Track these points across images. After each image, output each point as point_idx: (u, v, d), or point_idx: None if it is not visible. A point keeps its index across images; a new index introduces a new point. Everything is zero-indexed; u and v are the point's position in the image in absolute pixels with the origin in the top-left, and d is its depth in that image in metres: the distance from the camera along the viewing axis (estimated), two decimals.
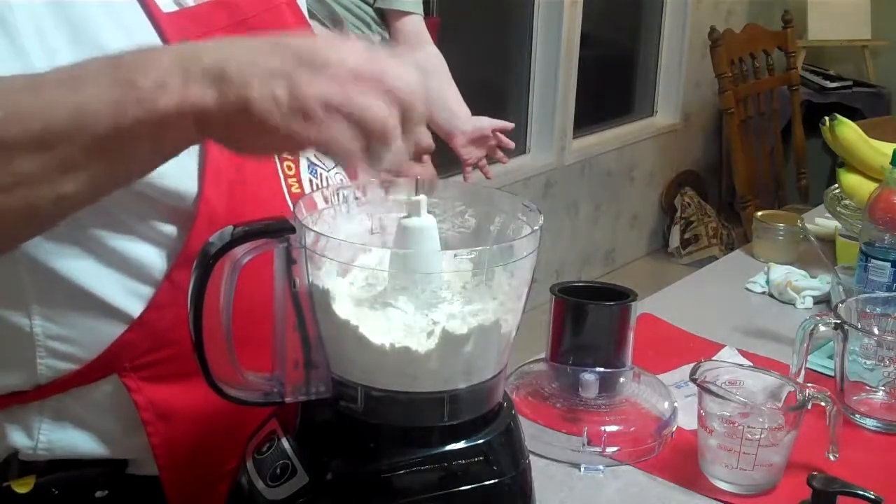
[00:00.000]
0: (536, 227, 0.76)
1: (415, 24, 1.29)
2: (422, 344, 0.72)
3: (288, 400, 0.76)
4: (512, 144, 1.39)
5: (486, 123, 1.33)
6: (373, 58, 0.67)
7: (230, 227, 0.73)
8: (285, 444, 0.77)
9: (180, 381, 0.87)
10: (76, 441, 0.88)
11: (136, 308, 0.84)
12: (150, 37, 0.81)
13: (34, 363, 0.85)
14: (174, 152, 0.71)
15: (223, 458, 0.91)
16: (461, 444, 0.75)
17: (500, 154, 1.37)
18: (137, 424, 0.87)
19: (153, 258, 0.83)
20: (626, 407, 1.07)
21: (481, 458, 0.75)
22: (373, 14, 1.22)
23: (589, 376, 1.05)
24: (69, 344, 0.85)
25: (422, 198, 0.75)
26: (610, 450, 1.02)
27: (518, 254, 0.74)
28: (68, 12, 0.76)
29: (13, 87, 0.67)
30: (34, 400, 0.86)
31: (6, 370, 0.86)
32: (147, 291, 0.84)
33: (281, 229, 0.74)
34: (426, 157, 1.24)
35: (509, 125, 1.35)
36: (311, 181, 0.95)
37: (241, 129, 0.66)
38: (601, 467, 1.01)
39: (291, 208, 0.90)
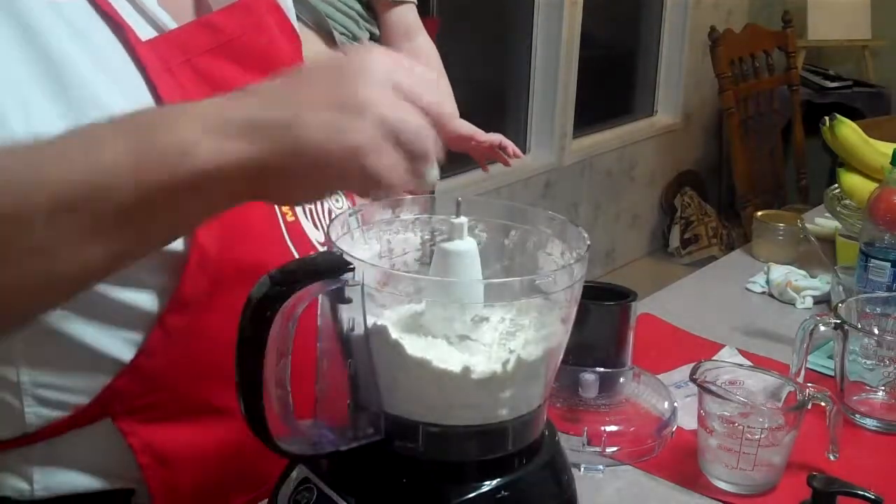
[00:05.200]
0: (583, 253, 0.74)
1: (406, 15, 1.27)
2: (501, 372, 0.71)
3: (342, 448, 0.72)
4: (520, 154, 1.35)
5: (465, 129, 1.31)
6: (403, 69, 0.65)
7: (267, 277, 0.67)
8: (330, 492, 0.73)
9: (176, 422, 0.84)
10: (73, 480, 0.85)
11: (127, 354, 0.81)
12: (127, 69, 0.78)
13: (21, 412, 0.82)
14: (213, 213, 0.67)
15: (227, 497, 0.89)
16: (532, 466, 0.75)
17: (502, 156, 1.34)
18: (133, 467, 0.84)
19: (144, 304, 0.80)
20: (626, 407, 1.07)
21: (548, 474, 0.76)
22: (359, 9, 1.20)
23: (589, 376, 1.05)
24: (58, 391, 0.81)
25: (463, 220, 0.73)
26: (610, 450, 1.02)
27: (574, 277, 0.72)
28: (40, 47, 0.73)
29: (9, 156, 0.63)
30: (20, 447, 0.83)
31: None
32: (138, 337, 0.81)
33: (337, 268, 0.68)
34: None
35: (493, 139, 1.31)
36: (304, 207, 0.92)
37: (296, 174, 0.62)
38: (601, 467, 1.01)
39: (287, 239, 0.88)
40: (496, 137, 1.33)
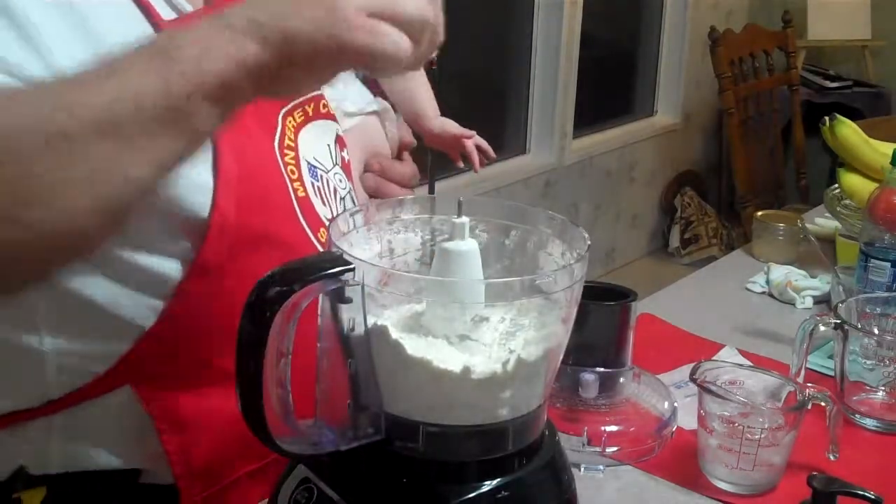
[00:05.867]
0: (583, 254, 0.74)
1: None
2: (501, 372, 0.71)
3: (343, 448, 0.72)
4: (493, 154, 1.44)
5: (454, 129, 1.40)
6: None
7: (268, 276, 0.67)
8: (330, 492, 0.74)
9: (193, 389, 0.87)
10: (88, 454, 0.87)
11: (148, 320, 0.83)
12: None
13: (44, 380, 0.84)
14: (232, 114, 0.70)
15: (240, 463, 0.91)
16: (532, 466, 0.75)
17: (475, 158, 1.43)
18: (150, 434, 0.86)
19: (165, 271, 0.82)
20: (626, 407, 1.07)
21: (548, 474, 0.76)
22: None
23: (589, 376, 1.05)
24: (80, 358, 0.84)
25: (464, 220, 0.74)
26: (610, 450, 1.02)
27: (574, 277, 0.73)
28: (83, 21, 0.77)
29: (54, 85, 0.66)
30: (43, 415, 0.86)
31: (15, 388, 0.85)
32: (159, 303, 0.83)
33: (337, 267, 0.68)
34: (407, 155, 1.28)
35: (470, 133, 1.41)
36: (313, 185, 0.95)
37: (292, 67, 0.67)
38: (601, 467, 1.01)
39: (298, 213, 0.91)
40: (478, 139, 1.42)
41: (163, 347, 0.84)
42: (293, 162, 0.93)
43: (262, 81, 0.67)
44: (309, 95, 0.99)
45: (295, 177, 0.92)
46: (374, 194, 1.17)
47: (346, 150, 1.06)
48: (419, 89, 1.38)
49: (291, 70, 0.67)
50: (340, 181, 1.02)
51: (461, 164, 1.51)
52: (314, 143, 0.98)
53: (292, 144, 0.94)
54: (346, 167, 1.05)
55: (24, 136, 0.63)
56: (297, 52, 0.66)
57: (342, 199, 1.01)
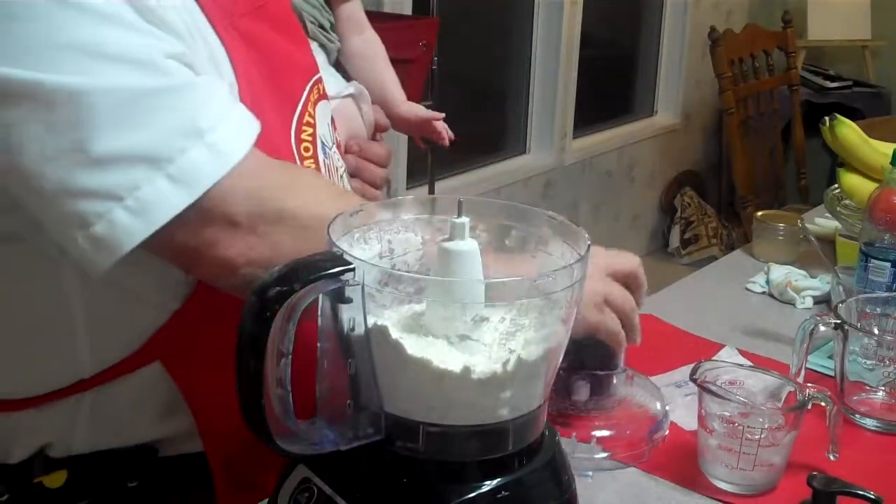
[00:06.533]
0: (583, 254, 0.74)
1: (354, 10, 1.42)
2: (501, 372, 0.71)
3: (343, 448, 0.72)
4: (452, 136, 1.48)
5: (423, 112, 1.46)
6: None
7: (268, 276, 0.68)
8: (330, 492, 0.74)
9: (222, 365, 0.87)
10: (114, 430, 0.89)
11: (176, 301, 0.85)
12: (204, 24, 0.84)
13: (76, 361, 0.86)
14: None
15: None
16: (532, 466, 0.75)
17: (444, 134, 1.46)
18: (175, 407, 0.88)
19: None
20: (619, 409, 1.06)
21: (548, 474, 0.76)
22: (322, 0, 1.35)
23: (581, 380, 1.05)
24: (112, 337, 0.86)
25: (465, 220, 0.73)
26: (601, 455, 1.01)
27: (574, 277, 0.73)
28: None
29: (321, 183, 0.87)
30: (74, 394, 0.87)
31: (48, 371, 0.87)
32: (185, 285, 0.85)
33: (338, 267, 0.69)
34: (380, 136, 1.34)
35: (440, 115, 1.48)
36: (324, 162, 0.98)
37: None
38: (590, 473, 1.00)
39: None
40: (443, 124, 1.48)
41: (191, 325, 0.86)
42: (310, 139, 0.95)
43: None
44: (319, 75, 1.01)
45: (309, 154, 0.94)
46: (353, 174, 1.19)
47: (337, 132, 1.09)
48: (386, 76, 1.42)
49: None
50: (338, 160, 1.04)
51: (423, 146, 1.56)
52: (322, 121, 1.01)
53: (311, 121, 0.96)
54: (338, 147, 1.08)
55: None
56: None
57: (341, 176, 1.04)
